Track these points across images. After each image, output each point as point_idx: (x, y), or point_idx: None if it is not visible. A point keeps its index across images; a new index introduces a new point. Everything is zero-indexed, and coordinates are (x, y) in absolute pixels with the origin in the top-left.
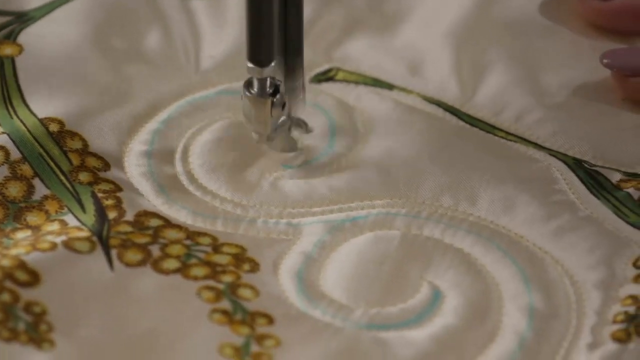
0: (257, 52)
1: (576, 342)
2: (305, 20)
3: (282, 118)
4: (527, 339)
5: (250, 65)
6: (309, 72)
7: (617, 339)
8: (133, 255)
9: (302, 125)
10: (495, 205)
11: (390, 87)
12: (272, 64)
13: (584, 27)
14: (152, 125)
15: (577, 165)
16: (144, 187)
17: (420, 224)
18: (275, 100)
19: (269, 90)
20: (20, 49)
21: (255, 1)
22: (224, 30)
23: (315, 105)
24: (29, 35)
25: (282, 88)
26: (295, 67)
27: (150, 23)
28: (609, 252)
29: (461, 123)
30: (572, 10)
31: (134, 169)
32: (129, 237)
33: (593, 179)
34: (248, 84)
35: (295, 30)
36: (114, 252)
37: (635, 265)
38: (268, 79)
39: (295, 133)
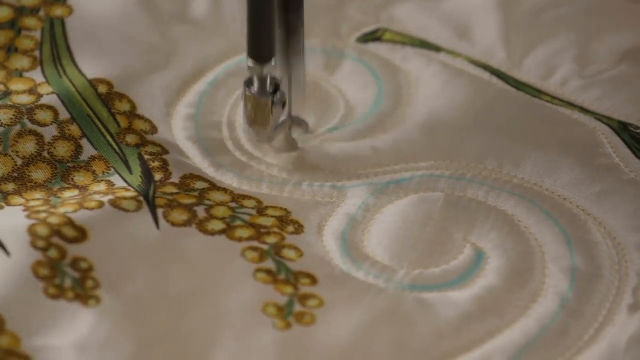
0: (257, 48)
1: (618, 303)
2: None
3: (283, 117)
4: (568, 299)
5: (250, 62)
6: (356, 32)
7: None
8: (179, 215)
9: (303, 124)
10: (539, 167)
11: (437, 49)
12: (272, 61)
13: None
14: (199, 86)
15: (622, 129)
16: (190, 150)
17: (464, 185)
18: (275, 98)
19: (269, 88)
20: (70, 10)
21: None
22: None
23: (363, 63)
24: None
25: (282, 86)
26: (296, 61)
27: None
28: None
29: (507, 87)
30: None
31: (180, 132)
32: (175, 198)
33: (638, 142)
34: (248, 83)
35: (295, 26)
36: (160, 212)
37: None
38: (268, 78)
39: (296, 132)
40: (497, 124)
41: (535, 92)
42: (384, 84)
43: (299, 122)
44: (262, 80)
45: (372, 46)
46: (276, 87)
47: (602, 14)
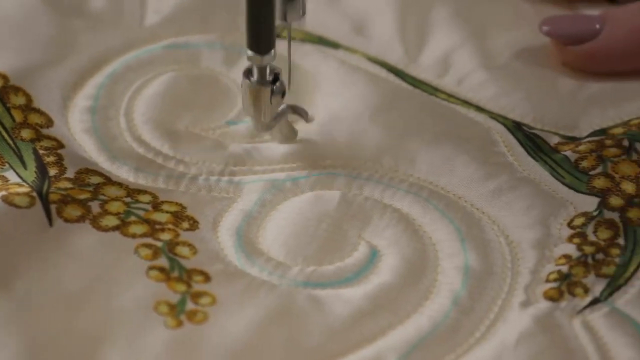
0: (257, 41)
1: (509, 300)
2: None
3: (282, 106)
4: (461, 296)
5: (250, 53)
6: None
7: (549, 297)
8: (72, 211)
9: (302, 113)
10: (434, 166)
11: (335, 46)
12: (272, 52)
13: None
14: (97, 79)
15: (516, 128)
16: (87, 143)
17: (361, 184)
18: (275, 88)
19: (268, 77)
20: None
21: None
22: None
23: None
24: None
25: (281, 76)
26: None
27: None
28: (545, 212)
29: (404, 84)
30: None
31: (77, 124)
32: (69, 193)
33: (531, 142)
34: (248, 72)
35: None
36: (53, 208)
37: (570, 225)
38: (268, 67)
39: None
40: (394, 123)
41: (432, 90)
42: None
43: (299, 111)
44: (261, 70)
45: None
46: (276, 77)
47: (497, 11)
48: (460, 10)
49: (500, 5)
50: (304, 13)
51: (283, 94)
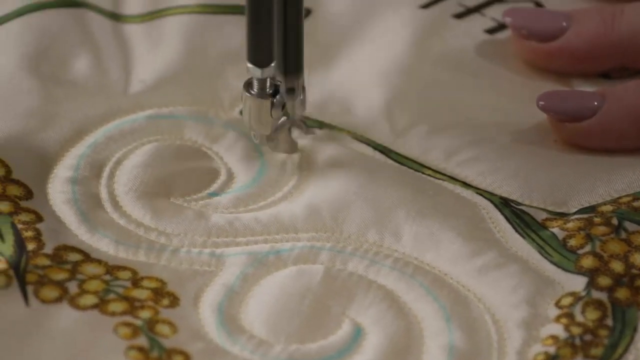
0: (257, 53)
1: None
2: (229, 51)
3: (282, 119)
4: None
5: (250, 66)
6: (237, 106)
7: None
8: (50, 292)
9: (302, 126)
10: (420, 241)
11: (320, 124)
12: (272, 64)
13: (521, 67)
14: (79, 150)
15: (503, 205)
16: (67, 215)
17: (345, 258)
18: (275, 100)
19: (269, 90)
20: None
21: (255, 2)
22: (156, 55)
23: (245, 134)
24: None
25: (282, 88)
26: (294, 68)
27: (80, 47)
28: (532, 291)
29: (389, 161)
30: (509, 50)
31: (57, 195)
32: (46, 273)
33: (519, 218)
34: (248, 85)
35: (294, 31)
36: (30, 288)
37: (557, 305)
38: (268, 79)
39: (295, 134)
40: (379, 198)
41: (418, 166)
42: (267, 156)
43: (299, 124)
44: (261, 82)
45: None
46: (276, 89)
47: (487, 87)
48: (449, 88)
49: (491, 81)
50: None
51: (283, 107)
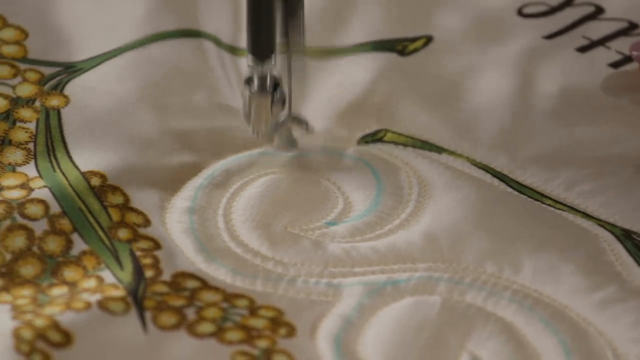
0: (258, 45)
1: None
2: (360, 85)
3: (283, 115)
4: None
5: (250, 61)
6: (358, 133)
7: None
8: (168, 319)
9: (303, 123)
10: (539, 273)
11: (439, 150)
12: (272, 58)
13: None
14: (196, 181)
15: (625, 237)
16: (185, 244)
17: (463, 290)
18: (275, 97)
19: (269, 87)
20: (67, 101)
21: None
22: None
23: (363, 162)
24: (75, 87)
25: (283, 85)
26: (297, 56)
27: (199, 78)
28: None
29: (509, 189)
30: (633, 83)
31: (175, 225)
32: (164, 299)
33: None
34: (248, 81)
35: (296, 18)
36: (148, 314)
37: None
38: (269, 76)
39: (296, 132)
40: (498, 228)
41: (538, 195)
42: (385, 183)
43: (300, 121)
44: (262, 79)
45: (373, 147)
46: (276, 85)
47: (609, 119)
48: (570, 117)
49: (613, 113)
50: (304, 32)
51: (283, 103)
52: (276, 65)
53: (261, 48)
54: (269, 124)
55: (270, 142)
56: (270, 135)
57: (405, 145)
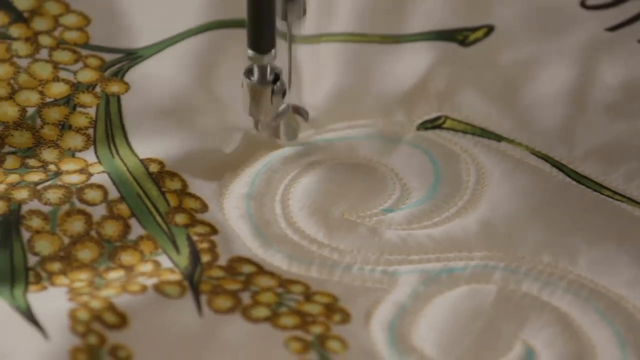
0: (258, 40)
1: None
2: (420, 73)
3: (283, 106)
4: None
5: (250, 52)
6: (418, 119)
7: None
8: (223, 302)
9: (303, 113)
10: (595, 264)
11: (498, 138)
12: (273, 51)
13: None
14: (254, 168)
15: None
16: (242, 229)
17: (519, 279)
18: (275, 87)
19: (269, 77)
20: (127, 87)
21: None
22: (322, 78)
23: (422, 149)
24: (136, 74)
25: (282, 75)
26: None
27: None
28: None
29: (567, 179)
30: None
31: (232, 211)
32: (220, 283)
33: None
34: (248, 72)
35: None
36: (203, 298)
37: None
38: (269, 67)
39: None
40: (556, 217)
41: (597, 186)
42: (442, 170)
43: (300, 111)
44: (262, 70)
45: (432, 133)
46: (276, 76)
47: None
48: (631, 110)
49: None
50: (304, 13)
51: (284, 94)
52: (276, 57)
53: (261, 43)
54: (269, 114)
55: (272, 133)
56: (271, 126)
57: (464, 132)
